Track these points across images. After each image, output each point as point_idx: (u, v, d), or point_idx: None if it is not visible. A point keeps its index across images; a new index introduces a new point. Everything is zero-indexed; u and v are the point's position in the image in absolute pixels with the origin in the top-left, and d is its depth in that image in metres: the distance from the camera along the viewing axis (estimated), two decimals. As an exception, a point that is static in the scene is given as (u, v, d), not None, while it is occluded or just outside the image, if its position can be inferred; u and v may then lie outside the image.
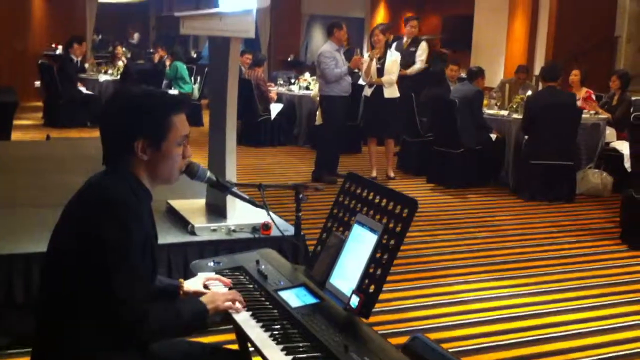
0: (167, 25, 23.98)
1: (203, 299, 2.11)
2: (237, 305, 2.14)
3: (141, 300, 1.90)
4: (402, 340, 2.27)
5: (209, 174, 2.29)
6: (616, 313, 4.26)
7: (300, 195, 2.63)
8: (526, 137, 7.29)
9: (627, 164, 6.97)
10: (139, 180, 2.02)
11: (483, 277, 4.83)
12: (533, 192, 7.13)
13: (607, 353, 3.71)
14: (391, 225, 2.15)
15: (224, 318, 2.22)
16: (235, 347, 2.55)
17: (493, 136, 7.81)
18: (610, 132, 7.89)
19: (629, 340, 3.89)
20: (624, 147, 7.36)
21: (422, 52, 8.83)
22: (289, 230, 3.78)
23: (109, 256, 1.86)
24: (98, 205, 1.91)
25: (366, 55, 7.68)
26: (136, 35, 20.60)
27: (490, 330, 3.96)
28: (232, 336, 2.69)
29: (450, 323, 4.04)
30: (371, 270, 2.13)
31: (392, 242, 2.12)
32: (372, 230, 2.20)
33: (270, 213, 2.74)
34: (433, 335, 3.78)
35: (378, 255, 2.13)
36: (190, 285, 2.33)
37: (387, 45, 7.57)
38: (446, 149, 7.64)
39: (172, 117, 2.02)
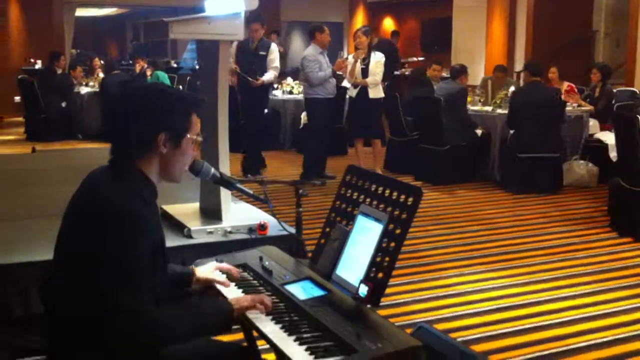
0: (146, 35, 24.01)
1: (231, 299, 2.09)
2: (266, 303, 2.10)
3: (143, 306, 1.85)
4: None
5: (213, 170, 2.29)
6: (610, 298, 4.31)
7: (300, 191, 2.64)
8: (511, 131, 7.36)
9: (612, 154, 7.05)
10: (147, 177, 2.01)
11: (477, 269, 4.86)
12: (520, 185, 7.19)
13: (604, 337, 3.75)
14: (396, 213, 2.17)
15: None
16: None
17: (479, 132, 7.87)
18: (593, 124, 7.98)
19: (624, 324, 3.94)
20: (607, 137, 7.46)
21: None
22: (286, 229, 3.80)
23: (113, 270, 1.83)
24: (103, 217, 1.87)
25: (350, 57, 7.71)
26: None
27: (488, 320, 4.00)
28: (239, 335, 2.69)
29: (448, 315, 4.07)
30: (378, 259, 2.15)
31: (398, 230, 2.14)
32: (377, 220, 2.22)
33: (271, 208, 2.74)
34: (436, 327, 3.80)
35: (384, 244, 2.15)
36: (202, 272, 2.33)
37: (371, 47, 7.60)
38: (432, 146, 7.69)
39: (192, 113, 2.04)
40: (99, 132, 10.98)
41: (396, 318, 3.96)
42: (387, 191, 2.27)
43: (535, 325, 3.92)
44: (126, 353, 1.87)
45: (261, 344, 2.58)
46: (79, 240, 1.91)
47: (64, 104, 11.08)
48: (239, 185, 2.40)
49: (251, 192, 2.43)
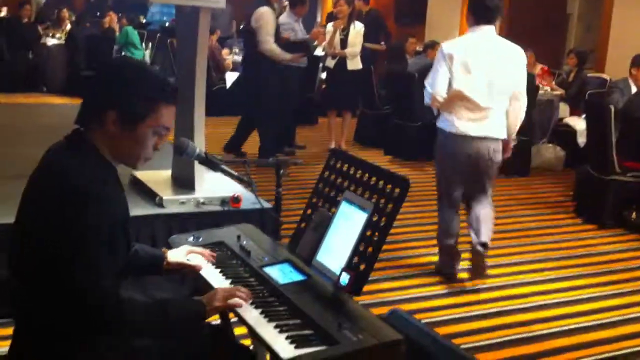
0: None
1: (202, 298, 1.99)
2: (238, 300, 2.02)
3: (108, 287, 1.82)
4: (377, 311, 2.30)
5: (198, 150, 2.25)
6: (572, 286, 4.39)
7: (281, 171, 2.61)
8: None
9: (580, 140, 7.14)
10: (100, 154, 1.91)
11: (445, 249, 4.89)
12: (490, 166, 7.22)
13: (568, 325, 3.82)
14: (382, 203, 2.15)
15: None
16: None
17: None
18: (563, 108, 8.05)
19: (589, 312, 4.02)
20: (576, 123, 7.53)
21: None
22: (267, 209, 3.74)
23: (71, 246, 1.78)
24: (60, 193, 1.80)
25: (329, 26, 7.60)
26: None
27: (456, 302, 4.05)
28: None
29: (417, 295, 4.11)
30: (361, 249, 2.13)
31: (382, 221, 2.12)
32: (361, 208, 2.20)
33: (248, 189, 2.70)
34: (404, 307, 3.83)
35: (368, 233, 2.13)
36: (174, 256, 2.28)
37: (351, 17, 7.50)
38: (404, 121, 7.69)
39: (160, 103, 1.91)
40: (63, 86, 10.75)
41: (366, 296, 3.97)
42: (373, 179, 2.24)
43: (499, 309, 3.98)
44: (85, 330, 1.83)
45: (233, 317, 2.55)
46: (36, 217, 1.84)
47: (30, 55, 10.77)
48: (223, 167, 2.36)
49: (236, 173, 2.39)
